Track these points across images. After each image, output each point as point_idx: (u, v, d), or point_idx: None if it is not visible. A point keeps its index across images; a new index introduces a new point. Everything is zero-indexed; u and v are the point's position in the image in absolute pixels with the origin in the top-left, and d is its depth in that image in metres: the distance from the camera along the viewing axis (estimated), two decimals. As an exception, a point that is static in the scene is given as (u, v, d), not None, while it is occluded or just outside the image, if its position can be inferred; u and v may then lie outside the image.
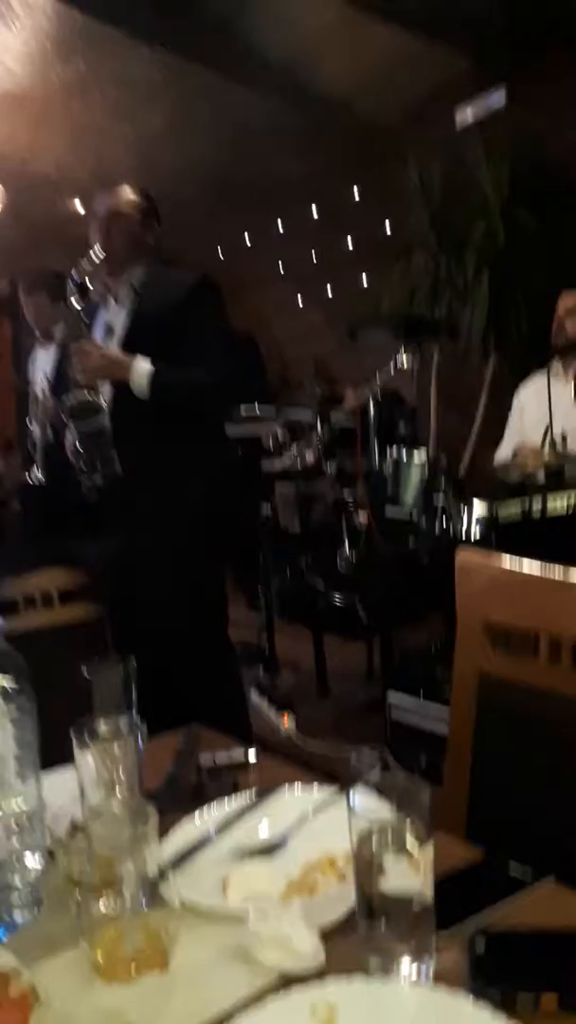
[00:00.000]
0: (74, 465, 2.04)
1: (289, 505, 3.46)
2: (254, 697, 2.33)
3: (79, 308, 2.09)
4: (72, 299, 2.09)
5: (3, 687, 0.71)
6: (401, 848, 0.62)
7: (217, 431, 2.27)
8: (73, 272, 2.10)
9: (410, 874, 0.62)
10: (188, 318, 2.03)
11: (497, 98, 3.99)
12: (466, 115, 4.13)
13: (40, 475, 3.72)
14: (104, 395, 2.06)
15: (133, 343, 2.05)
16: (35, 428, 3.66)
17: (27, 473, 3.90)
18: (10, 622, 1.48)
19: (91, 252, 2.08)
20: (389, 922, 0.62)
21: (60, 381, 3.67)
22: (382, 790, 0.65)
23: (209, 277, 2.15)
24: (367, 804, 0.65)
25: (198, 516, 2.05)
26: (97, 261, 2.09)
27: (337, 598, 2.86)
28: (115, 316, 2.14)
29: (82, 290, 2.10)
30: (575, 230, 3.77)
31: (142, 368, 1.99)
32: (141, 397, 1.99)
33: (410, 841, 0.62)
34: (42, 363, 3.80)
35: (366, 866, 0.62)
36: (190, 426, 2.06)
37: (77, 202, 6.47)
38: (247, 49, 4.50)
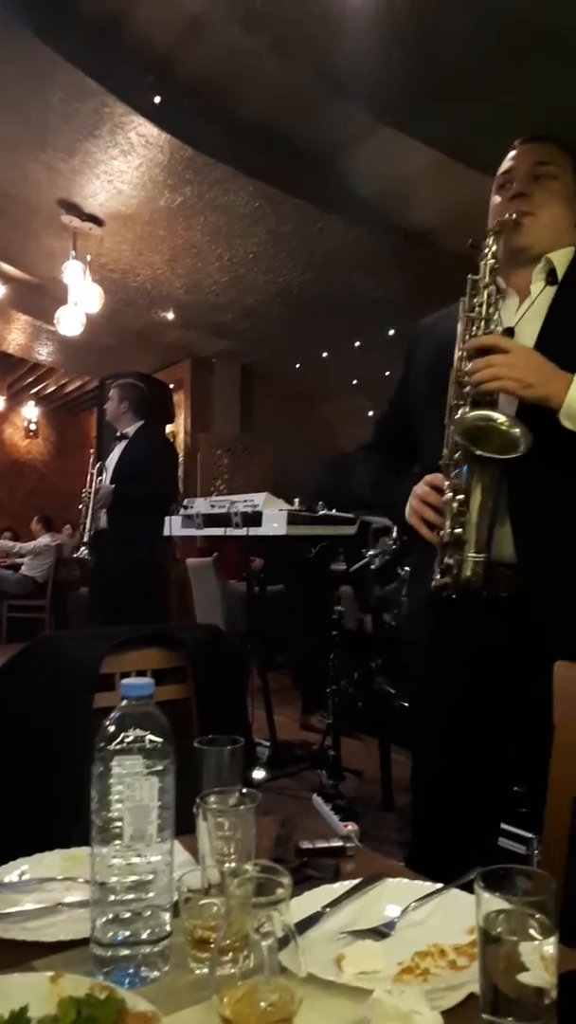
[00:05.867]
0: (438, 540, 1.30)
1: (359, 607, 3.50)
2: (318, 803, 2.30)
3: (487, 293, 1.35)
4: (482, 277, 1.35)
5: (151, 743, 0.77)
6: (529, 940, 0.64)
7: None
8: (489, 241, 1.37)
9: (539, 967, 0.63)
10: None
11: None
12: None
13: (87, 554, 3.92)
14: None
15: (552, 356, 1.29)
16: (91, 513, 3.90)
17: (75, 552, 4.12)
18: (107, 698, 1.55)
19: (503, 218, 1.37)
20: (515, 1014, 0.63)
21: (119, 472, 3.94)
22: (505, 882, 0.67)
23: None
24: (487, 896, 0.67)
25: None
26: (509, 228, 1.37)
27: (407, 704, 2.84)
28: (518, 317, 1.39)
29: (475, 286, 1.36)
30: None
31: None
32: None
33: (538, 932, 0.64)
34: (113, 457, 4.07)
35: (497, 955, 0.64)
36: None
37: (170, 314, 6.94)
38: (341, 184, 4.88)
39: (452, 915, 0.84)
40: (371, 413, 8.04)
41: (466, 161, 4.25)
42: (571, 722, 1.09)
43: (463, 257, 1.47)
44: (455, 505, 1.28)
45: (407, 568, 3.20)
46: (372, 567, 3.32)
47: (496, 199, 1.45)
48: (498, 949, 0.64)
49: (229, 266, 5.95)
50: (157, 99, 4.21)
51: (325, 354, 7.53)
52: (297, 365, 8.01)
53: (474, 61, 3.53)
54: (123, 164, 4.76)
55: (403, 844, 2.63)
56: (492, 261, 1.36)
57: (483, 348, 1.29)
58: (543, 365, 1.27)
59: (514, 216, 1.37)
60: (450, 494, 1.28)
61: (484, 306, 1.34)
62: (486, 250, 1.36)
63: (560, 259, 1.39)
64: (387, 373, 7.26)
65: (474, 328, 1.35)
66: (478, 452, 1.23)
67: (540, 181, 1.41)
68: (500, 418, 1.25)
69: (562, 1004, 0.64)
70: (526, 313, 1.39)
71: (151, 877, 0.76)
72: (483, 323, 1.34)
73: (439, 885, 0.90)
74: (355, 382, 8.08)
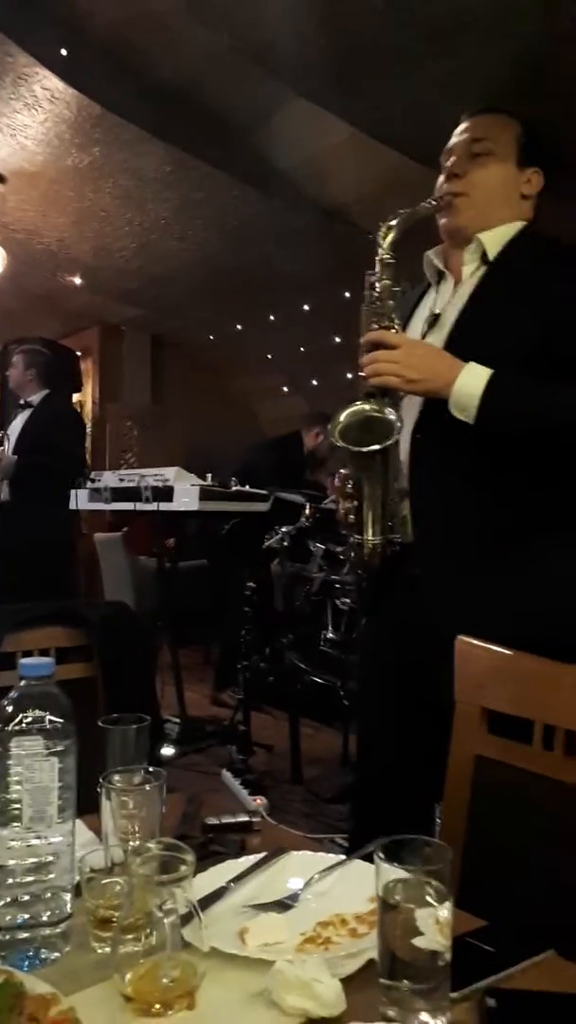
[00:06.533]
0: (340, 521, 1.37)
1: (274, 584, 3.52)
2: (227, 778, 2.31)
3: (380, 288, 1.34)
4: (376, 273, 1.35)
5: (51, 724, 0.75)
6: (425, 905, 0.66)
7: None
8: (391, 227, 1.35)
9: (434, 931, 0.65)
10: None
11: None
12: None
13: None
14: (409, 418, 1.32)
15: (467, 342, 1.30)
16: None
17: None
18: (7, 677, 1.50)
19: (430, 201, 1.38)
20: (410, 977, 0.65)
21: (22, 442, 3.79)
22: (404, 852, 0.69)
23: None
24: (386, 866, 0.68)
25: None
26: (438, 212, 1.39)
27: (318, 678, 2.89)
28: (447, 301, 1.39)
29: (388, 269, 1.34)
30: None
31: (476, 373, 1.24)
32: (465, 417, 1.24)
33: (434, 899, 0.66)
34: (15, 426, 3.92)
35: (394, 921, 0.66)
36: (535, 475, 1.27)
37: (77, 279, 6.71)
38: (257, 155, 4.81)
39: (354, 885, 0.86)
40: (286, 388, 8.04)
41: (384, 139, 4.25)
42: (470, 696, 1.13)
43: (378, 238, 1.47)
44: (348, 490, 1.34)
45: (319, 545, 3.23)
46: (284, 544, 3.34)
47: (440, 178, 1.43)
48: (395, 916, 0.66)
49: (140, 231, 5.79)
50: (64, 52, 4.03)
51: (239, 326, 7.45)
52: (211, 336, 7.91)
53: (391, 40, 3.52)
54: (27, 118, 4.54)
55: (311, 816, 2.68)
56: (386, 255, 1.35)
57: (373, 343, 1.30)
58: (433, 358, 1.28)
59: (439, 201, 1.37)
60: (340, 482, 1.35)
61: (381, 300, 1.34)
62: (380, 243, 1.35)
63: (492, 238, 1.36)
64: (302, 349, 7.27)
65: (372, 322, 1.34)
66: (353, 449, 1.28)
67: (476, 159, 1.38)
68: (369, 406, 1.29)
69: (456, 964, 0.67)
70: (454, 296, 1.38)
71: (51, 859, 0.74)
72: (379, 318, 1.34)
73: (342, 857, 0.92)
74: (270, 356, 8.04)
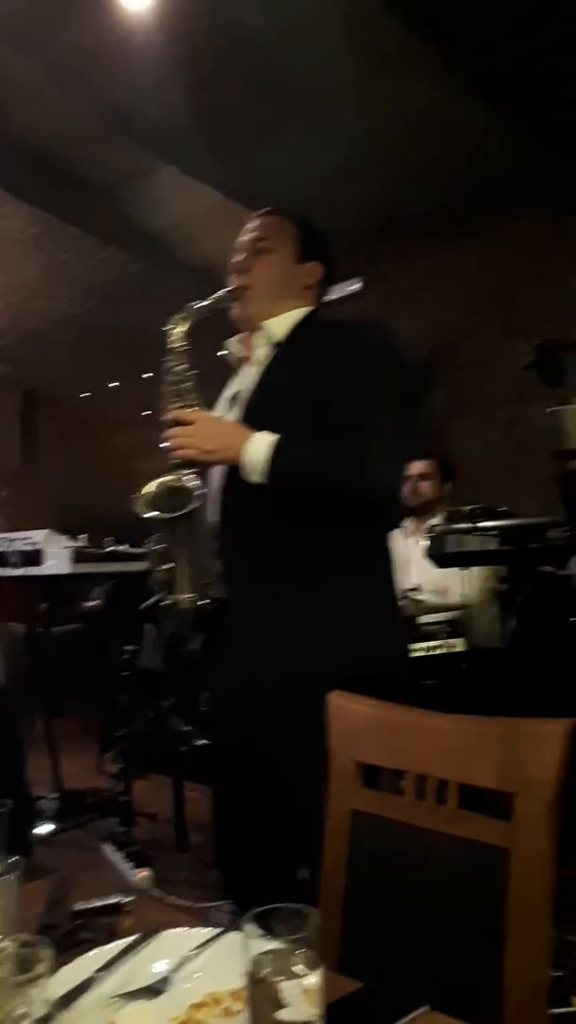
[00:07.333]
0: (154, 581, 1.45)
1: (152, 645, 3.44)
2: (108, 852, 2.21)
3: (176, 372, 1.51)
4: (172, 359, 1.52)
5: None
6: (293, 976, 0.65)
7: (373, 544, 1.49)
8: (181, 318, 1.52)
9: (303, 1002, 0.64)
10: (353, 376, 1.40)
11: (354, 282, 4.56)
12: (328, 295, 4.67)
13: None
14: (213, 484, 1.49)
15: (258, 416, 1.44)
16: None
17: None
18: None
19: (219, 295, 1.53)
20: (283, 1051, 0.64)
21: None
22: (270, 921, 0.68)
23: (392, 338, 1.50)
24: (255, 936, 0.67)
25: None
26: (227, 304, 1.53)
27: (201, 740, 2.83)
28: (243, 383, 1.56)
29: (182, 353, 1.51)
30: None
31: (261, 441, 1.37)
32: (258, 479, 1.37)
33: (302, 969, 0.65)
34: None
35: (261, 996, 0.64)
36: (326, 529, 1.40)
37: None
38: (123, 217, 4.87)
39: (230, 960, 0.82)
40: (164, 444, 8.01)
41: (250, 204, 4.40)
42: (345, 750, 1.13)
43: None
44: (160, 553, 1.42)
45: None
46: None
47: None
48: (263, 990, 0.64)
49: (6, 291, 5.71)
50: None
51: (115, 383, 7.40)
52: (85, 393, 7.80)
53: (254, 109, 3.69)
54: None
55: (197, 884, 2.59)
56: (179, 343, 1.50)
57: (173, 421, 1.44)
58: (224, 431, 1.42)
59: (230, 291, 1.52)
60: (154, 545, 1.43)
61: (178, 383, 1.49)
62: (172, 333, 1.50)
63: (277, 325, 1.52)
64: (177, 405, 7.28)
65: (172, 402, 1.48)
66: (156, 517, 1.39)
67: (260, 256, 1.54)
68: (172, 477, 1.42)
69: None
70: (249, 377, 1.54)
71: None
72: (177, 398, 1.48)
73: (217, 931, 0.89)
74: (146, 413, 8.00)
